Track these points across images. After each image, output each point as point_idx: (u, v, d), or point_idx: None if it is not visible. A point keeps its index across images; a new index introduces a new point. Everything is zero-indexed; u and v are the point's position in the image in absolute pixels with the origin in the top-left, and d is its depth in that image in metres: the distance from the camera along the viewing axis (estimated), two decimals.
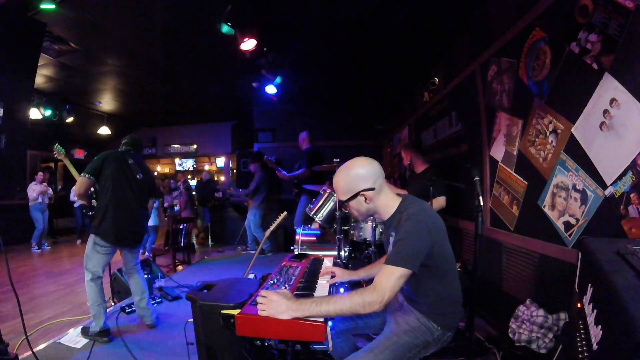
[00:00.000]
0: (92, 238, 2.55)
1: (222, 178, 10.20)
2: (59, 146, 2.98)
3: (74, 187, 6.45)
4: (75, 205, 7.02)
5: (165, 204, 6.68)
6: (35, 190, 6.36)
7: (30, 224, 6.50)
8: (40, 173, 6.70)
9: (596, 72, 1.68)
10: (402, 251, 1.25)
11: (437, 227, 1.34)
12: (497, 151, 2.72)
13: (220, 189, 7.56)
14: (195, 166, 11.16)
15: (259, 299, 1.25)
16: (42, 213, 6.45)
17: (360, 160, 1.44)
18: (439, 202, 3.08)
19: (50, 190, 6.71)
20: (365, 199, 1.40)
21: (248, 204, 5.69)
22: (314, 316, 1.20)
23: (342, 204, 1.47)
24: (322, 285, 1.61)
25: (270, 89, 4.84)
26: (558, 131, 1.98)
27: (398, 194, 1.47)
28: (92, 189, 2.65)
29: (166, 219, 5.93)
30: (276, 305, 1.20)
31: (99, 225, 2.54)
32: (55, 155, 2.96)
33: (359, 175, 1.39)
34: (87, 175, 2.53)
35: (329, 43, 4.15)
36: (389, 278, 1.23)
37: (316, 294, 1.49)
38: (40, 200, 6.41)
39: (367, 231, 3.18)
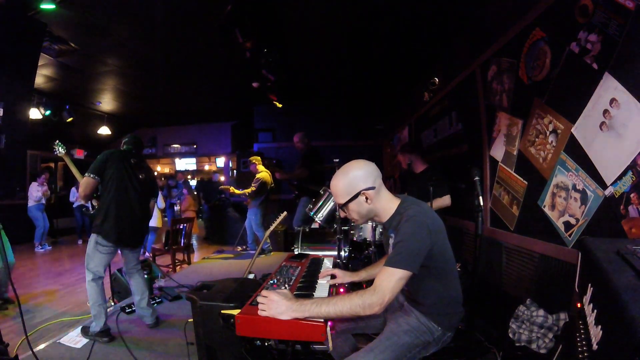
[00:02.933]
0: (93, 237, 2.54)
1: (222, 178, 10.21)
2: (59, 143, 2.92)
3: (73, 188, 6.35)
4: (75, 205, 7.02)
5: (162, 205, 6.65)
6: (39, 190, 6.36)
7: (30, 224, 6.50)
8: (43, 176, 6.70)
9: (596, 72, 1.68)
10: (402, 253, 1.25)
11: (437, 228, 1.34)
12: (497, 151, 2.72)
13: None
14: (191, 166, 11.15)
15: (259, 299, 1.25)
16: (41, 213, 6.46)
17: (357, 162, 1.43)
18: (445, 200, 3.09)
19: (48, 192, 6.69)
20: (366, 198, 1.38)
21: (248, 204, 5.69)
22: (314, 317, 1.21)
23: (342, 207, 1.43)
24: (322, 285, 1.61)
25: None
26: (558, 131, 1.98)
27: (397, 195, 1.47)
28: None
29: (165, 219, 5.92)
30: (276, 305, 1.21)
31: (101, 224, 2.54)
32: (55, 153, 2.91)
33: (358, 175, 1.38)
34: (92, 176, 2.51)
35: (329, 43, 4.15)
36: (389, 280, 1.22)
37: (316, 294, 1.48)
38: (42, 200, 6.42)
39: (367, 231, 3.19)
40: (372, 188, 1.37)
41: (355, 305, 1.20)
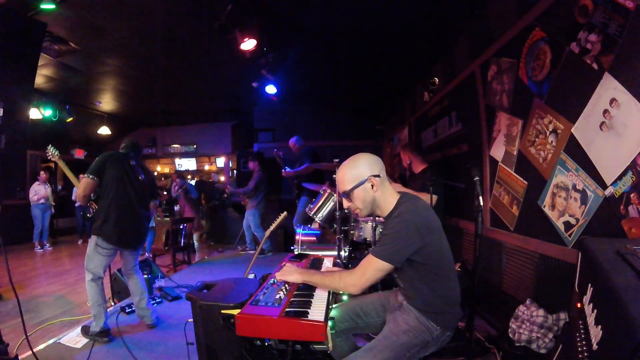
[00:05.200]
0: (93, 239, 2.53)
1: (222, 178, 10.21)
2: (52, 147, 2.85)
3: (75, 187, 6.35)
4: (77, 205, 7.00)
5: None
6: (37, 193, 6.34)
7: (31, 224, 6.49)
8: (42, 172, 6.68)
9: (596, 72, 1.68)
10: (386, 245, 1.32)
11: (429, 227, 1.35)
12: (497, 151, 2.72)
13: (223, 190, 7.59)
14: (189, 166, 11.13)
15: (278, 272, 1.58)
16: (42, 212, 6.44)
17: (364, 153, 1.50)
18: (425, 197, 3.06)
19: (50, 190, 6.64)
20: (372, 185, 1.41)
21: (245, 203, 5.70)
22: (309, 282, 1.50)
23: (347, 195, 1.46)
24: None
25: (271, 89, 4.85)
26: (558, 131, 1.98)
27: (398, 191, 1.49)
28: None
29: (166, 219, 5.92)
30: (290, 270, 1.55)
31: (101, 226, 2.52)
32: (49, 157, 2.85)
33: (366, 162, 1.44)
34: (91, 176, 2.49)
35: (329, 43, 4.15)
36: (368, 267, 1.34)
37: (316, 294, 1.49)
38: (42, 200, 6.41)
39: (367, 231, 3.18)
40: (378, 176, 1.42)
41: (338, 281, 1.40)
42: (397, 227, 1.32)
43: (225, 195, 7.34)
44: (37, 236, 6.46)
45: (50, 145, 2.87)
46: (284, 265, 1.68)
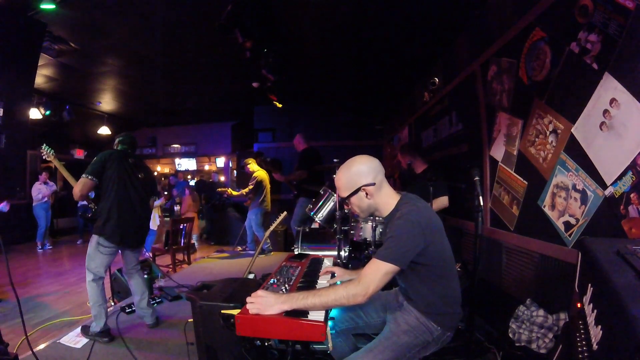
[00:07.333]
0: (95, 239, 2.53)
1: (222, 178, 10.21)
2: (46, 146, 2.74)
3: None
4: (79, 205, 7.01)
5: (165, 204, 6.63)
6: (41, 191, 6.35)
7: (31, 224, 6.50)
8: (43, 173, 6.69)
9: (596, 72, 1.67)
10: (391, 247, 1.28)
11: (432, 227, 1.35)
12: (497, 151, 2.72)
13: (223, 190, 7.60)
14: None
15: (248, 299, 1.27)
16: (45, 212, 6.45)
17: (360, 157, 1.47)
18: (442, 201, 3.09)
19: (56, 187, 6.67)
20: (366, 194, 1.42)
21: (248, 204, 5.70)
22: (301, 308, 1.24)
23: (344, 200, 1.50)
24: (323, 285, 1.61)
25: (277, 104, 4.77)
26: (558, 131, 1.98)
27: (398, 192, 1.48)
28: None
29: (166, 219, 5.91)
30: (264, 300, 1.24)
31: (102, 226, 2.52)
32: (43, 157, 2.75)
33: (359, 171, 1.42)
34: (89, 177, 2.47)
35: (329, 43, 4.15)
36: (375, 272, 1.26)
37: None
38: (46, 199, 6.42)
39: (367, 231, 3.18)
40: (372, 184, 1.41)
41: (340, 296, 1.24)
42: (402, 229, 1.30)
43: (225, 196, 7.34)
44: (40, 236, 6.47)
45: (44, 144, 2.75)
46: (259, 290, 1.34)
